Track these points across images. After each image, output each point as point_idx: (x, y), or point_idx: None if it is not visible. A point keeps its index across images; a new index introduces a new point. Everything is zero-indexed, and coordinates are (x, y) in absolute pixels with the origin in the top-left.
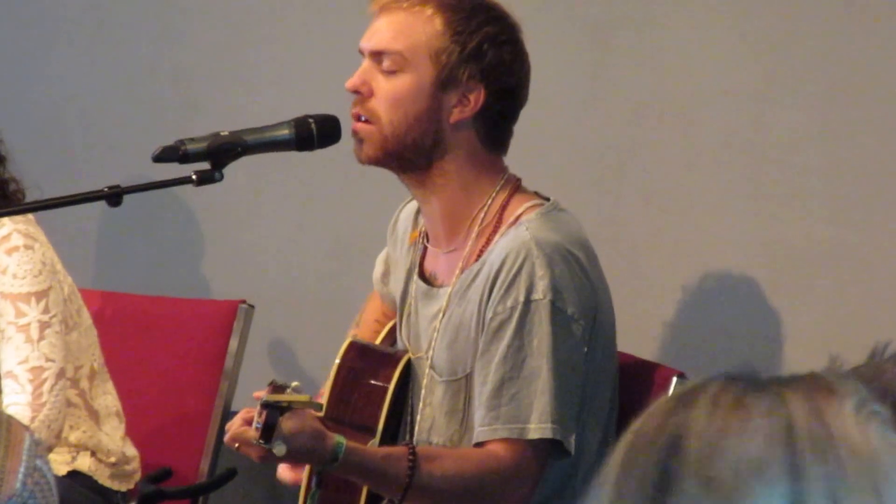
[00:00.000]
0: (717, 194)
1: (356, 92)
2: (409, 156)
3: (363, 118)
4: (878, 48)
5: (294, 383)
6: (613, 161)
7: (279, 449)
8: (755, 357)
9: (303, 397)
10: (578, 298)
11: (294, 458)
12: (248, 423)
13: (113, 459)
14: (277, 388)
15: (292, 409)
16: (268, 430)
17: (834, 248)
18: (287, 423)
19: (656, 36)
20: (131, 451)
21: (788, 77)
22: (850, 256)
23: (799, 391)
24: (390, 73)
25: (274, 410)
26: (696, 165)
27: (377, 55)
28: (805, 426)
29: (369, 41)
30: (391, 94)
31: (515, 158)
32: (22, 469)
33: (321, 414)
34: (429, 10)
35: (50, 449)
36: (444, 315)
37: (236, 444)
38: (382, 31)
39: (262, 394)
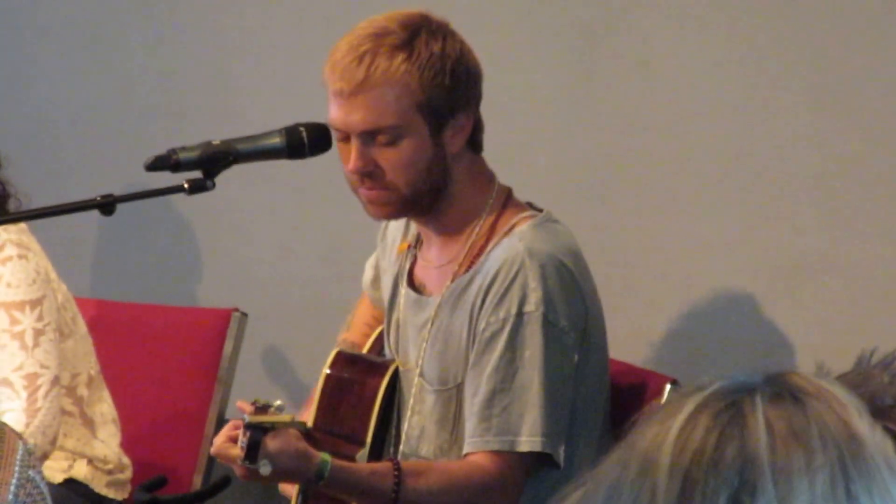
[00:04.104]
0: (707, 202)
1: (362, 173)
2: (425, 200)
3: (377, 189)
4: (870, 56)
5: (277, 402)
6: (604, 169)
7: (264, 469)
8: (745, 364)
9: (285, 417)
10: (570, 310)
11: (279, 478)
12: (233, 439)
13: (110, 467)
14: (260, 408)
15: (275, 428)
16: (252, 451)
17: (823, 257)
18: (272, 443)
19: (646, 44)
20: (126, 459)
21: (779, 86)
22: (838, 265)
23: (832, 407)
24: (389, 144)
25: (257, 431)
26: (687, 174)
27: (369, 134)
28: (850, 459)
29: (354, 123)
30: (400, 163)
31: (506, 167)
32: (14, 481)
33: (309, 425)
34: (399, 64)
35: (45, 455)
36: (432, 324)
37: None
38: (367, 111)
39: (245, 405)
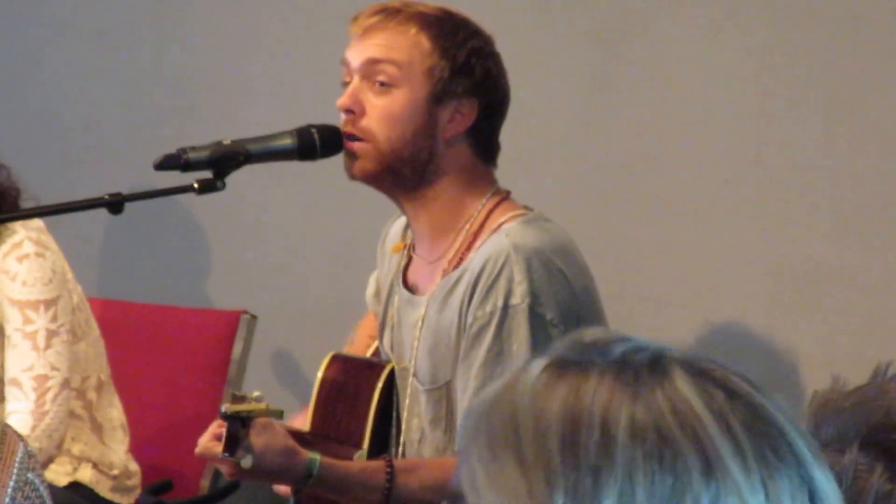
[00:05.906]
0: (721, 210)
1: (347, 111)
2: (405, 172)
3: (356, 136)
4: (885, 65)
5: (255, 393)
6: (618, 176)
7: (245, 461)
8: (759, 375)
9: (261, 406)
10: (557, 304)
11: (265, 476)
12: (218, 438)
13: (115, 472)
14: (237, 398)
15: (252, 418)
16: (231, 443)
17: (837, 267)
18: (257, 440)
19: (661, 50)
20: (134, 465)
21: (793, 93)
22: (853, 275)
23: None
24: (383, 90)
25: (235, 422)
26: (701, 182)
27: (371, 66)
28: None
29: (360, 54)
30: (386, 112)
31: (517, 172)
32: (12, 483)
33: (284, 421)
34: (412, 30)
35: (50, 459)
36: (423, 322)
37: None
38: (375, 45)
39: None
